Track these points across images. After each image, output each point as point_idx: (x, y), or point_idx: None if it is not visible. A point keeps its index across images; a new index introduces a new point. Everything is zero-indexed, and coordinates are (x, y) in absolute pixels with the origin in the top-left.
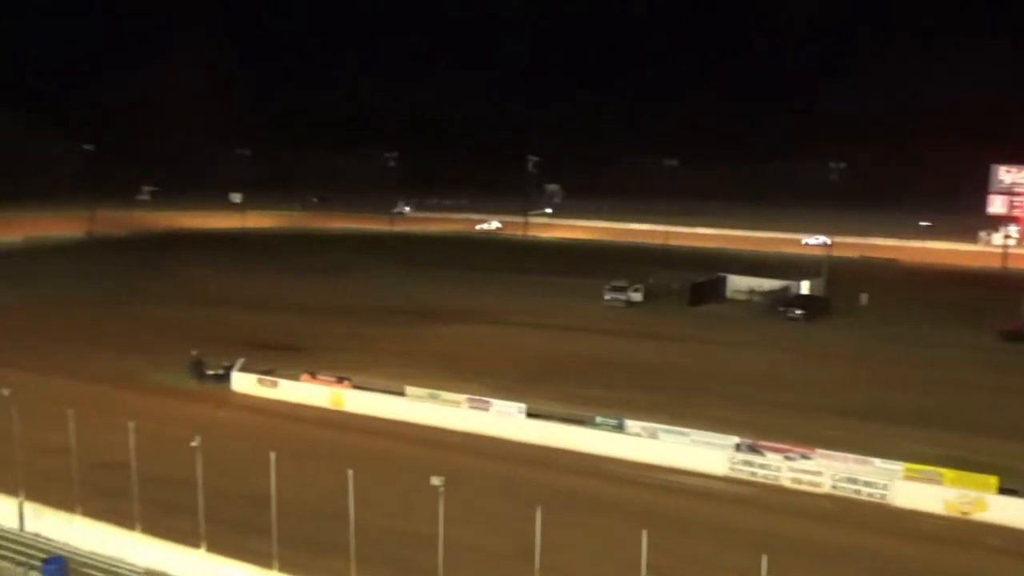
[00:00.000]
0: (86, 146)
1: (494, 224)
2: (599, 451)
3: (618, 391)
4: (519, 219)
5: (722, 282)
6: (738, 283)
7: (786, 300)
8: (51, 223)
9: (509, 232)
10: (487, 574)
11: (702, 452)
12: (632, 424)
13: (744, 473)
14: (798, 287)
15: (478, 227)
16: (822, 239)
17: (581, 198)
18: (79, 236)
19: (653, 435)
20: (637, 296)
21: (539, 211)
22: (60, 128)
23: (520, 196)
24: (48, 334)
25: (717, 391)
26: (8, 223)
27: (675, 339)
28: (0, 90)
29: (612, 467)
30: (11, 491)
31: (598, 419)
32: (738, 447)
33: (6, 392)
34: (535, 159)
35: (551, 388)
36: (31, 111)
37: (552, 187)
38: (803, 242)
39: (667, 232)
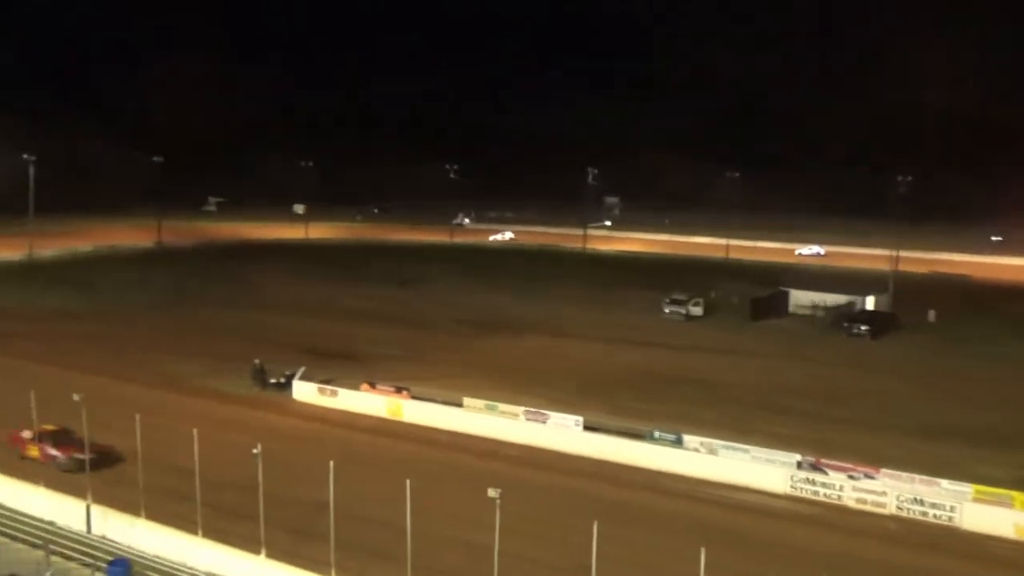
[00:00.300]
0: (155, 158)
1: (507, 235)
2: (657, 466)
3: (676, 405)
4: (578, 231)
5: (784, 296)
6: (801, 298)
7: (851, 315)
8: (121, 232)
9: (569, 244)
10: None
11: (762, 469)
12: (691, 439)
13: (806, 492)
14: (863, 302)
15: (491, 238)
16: (816, 249)
17: (641, 211)
18: (148, 245)
19: (712, 451)
20: (697, 310)
21: (598, 223)
22: (132, 140)
23: (579, 208)
24: (116, 340)
25: (778, 407)
26: (80, 232)
27: (735, 354)
28: (76, 101)
29: (670, 482)
30: (80, 494)
31: (656, 433)
32: (800, 465)
33: (77, 398)
34: (594, 171)
35: (608, 401)
36: (106, 123)
37: (611, 199)
38: (796, 252)
39: (728, 245)
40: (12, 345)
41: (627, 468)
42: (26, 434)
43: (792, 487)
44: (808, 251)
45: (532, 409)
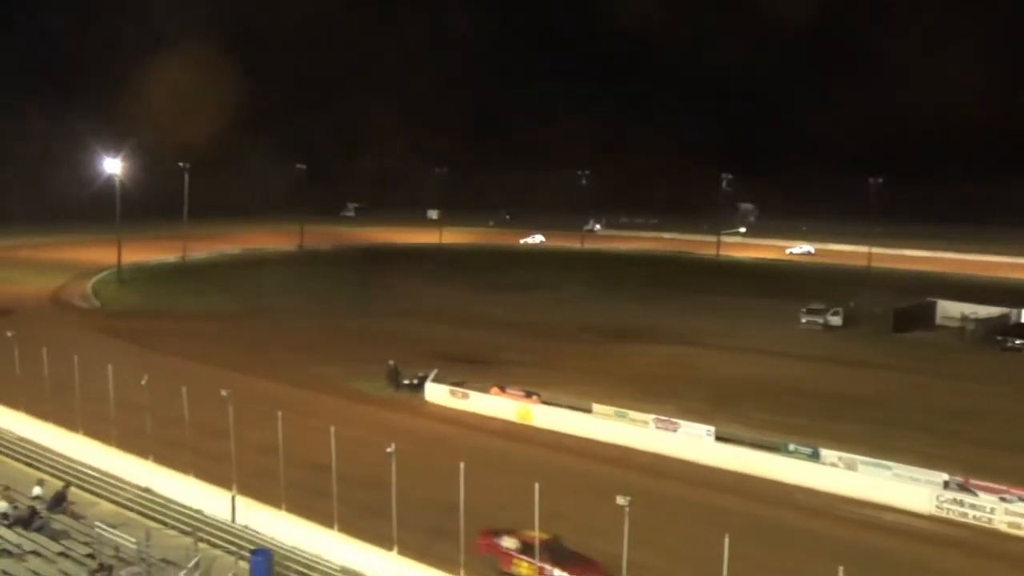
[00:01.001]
0: (299, 165)
1: (538, 238)
2: (791, 480)
3: (811, 419)
4: (711, 238)
5: (931, 307)
6: (949, 309)
7: (1005, 328)
8: (266, 237)
9: (702, 251)
10: None
11: (905, 487)
12: (828, 453)
13: (952, 513)
14: (1019, 315)
15: (522, 241)
16: (806, 248)
17: (777, 217)
18: (290, 249)
19: (851, 466)
20: (836, 320)
21: (732, 230)
22: (276, 148)
23: (713, 215)
24: (259, 340)
25: (922, 425)
26: (228, 236)
27: (876, 367)
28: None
29: (805, 497)
30: (225, 485)
31: (791, 446)
32: (946, 484)
33: (224, 393)
34: (728, 176)
35: (740, 412)
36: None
37: (746, 206)
38: (787, 251)
39: (870, 253)
40: (166, 343)
41: (760, 481)
42: (507, 542)
43: (938, 507)
44: (799, 250)
45: (663, 417)
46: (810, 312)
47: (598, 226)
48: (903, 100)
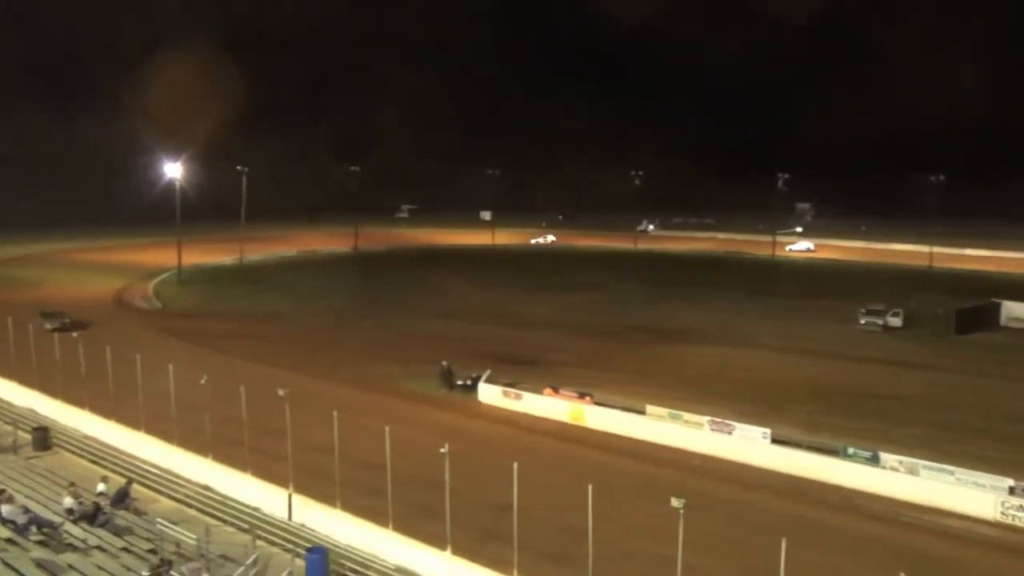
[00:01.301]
0: (352, 168)
1: (549, 238)
2: (849, 484)
3: (870, 421)
4: (766, 238)
5: (995, 308)
6: (1016, 310)
7: None
8: (321, 239)
9: (756, 251)
10: None
11: (969, 493)
12: (888, 457)
13: (1019, 520)
14: None
15: (533, 241)
16: (807, 245)
17: (835, 216)
18: (345, 251)
19: (912, 471)
20: (896, 321)
21: (789, 230)
22: (331, 151)
23: (769, 214)
24: (314, 340)
25: (985, 429)
26: (284, 238)
27: (937, 369)
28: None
29: (863, 502)
30: (282, 483)
31: (850, 450)
32: (1012, 490)
33: (281, 392)
34: (784, 176)
35: (797, 415)
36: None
37: (803, 205)
38: (787, 248)
39: (932, 253)
40: (224, 344)
41: (817, 485)
42: None
43: (1003, 514)
44: (798, 247)
45: (717, 419)
46: (869, 313)
47: (651, 226)
48: (957, 100)
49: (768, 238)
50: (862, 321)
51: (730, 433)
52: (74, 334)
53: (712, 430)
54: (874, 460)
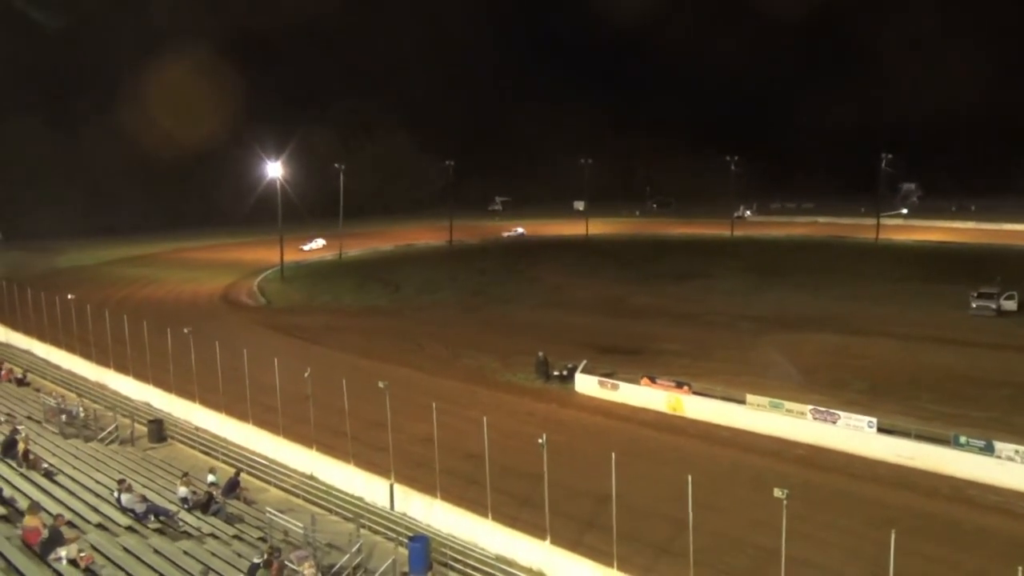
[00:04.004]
0: (448, 162)
1: (518, 230)
2: (962, 474)
3: (984, 409)
4: (870, 221)
5: None
6: None
7: None
8: (418, 232)
9: (860, 235)
10: None
11: None
12: (1003, 447)
13: None
14: None
15: (505, 234)
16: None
17: (942, 197)
18: (441, 244)
19: None
20: (1010, 304)
21: (894, 212)
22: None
23: (872, 196)
24: (413, 333)
25: None
26: (383, 234)
27: None
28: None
29: (976, 492)
30: (384, 473)
31: (962, 439)
32: None
33: (381, 385)
34: (888, 156)
35: (905, 403)
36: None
37: (908, 186)
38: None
39: None
40: (326, 337)
41: (926, 475)
42: None
43: None
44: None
45: (820, 408)
46: (981, 296)
47: (748, 212)
48: None
49: (872, 221)
50: (973, 305)
51: (834, 422)
52: (185, 330)
53: (815, 419)
54: (988, 449)
